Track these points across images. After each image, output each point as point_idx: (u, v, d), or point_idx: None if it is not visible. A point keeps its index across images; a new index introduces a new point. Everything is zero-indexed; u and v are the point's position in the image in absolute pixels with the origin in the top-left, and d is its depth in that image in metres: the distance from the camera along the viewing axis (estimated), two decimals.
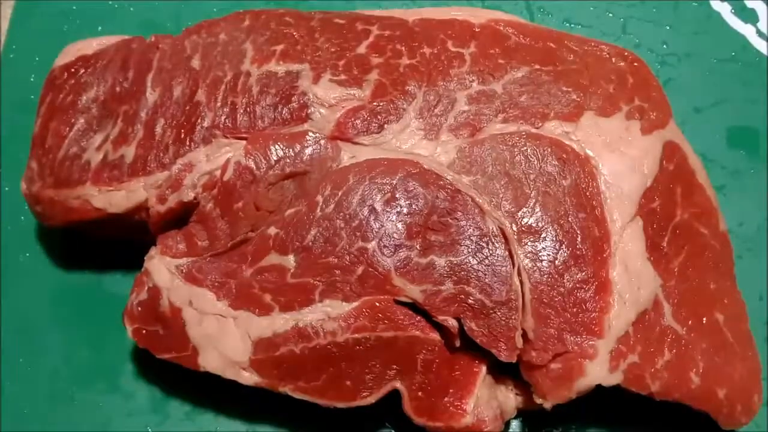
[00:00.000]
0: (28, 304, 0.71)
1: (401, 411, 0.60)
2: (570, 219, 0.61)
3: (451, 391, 0.59)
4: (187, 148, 0.64)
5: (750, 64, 0.80)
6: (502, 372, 0.62)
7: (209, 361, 0.61)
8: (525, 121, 0.64)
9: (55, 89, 0.69)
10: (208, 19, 0.71)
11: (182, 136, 0.65)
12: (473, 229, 0.60)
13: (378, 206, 0.61)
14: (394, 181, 0.61)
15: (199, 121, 0.65)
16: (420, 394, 0.59)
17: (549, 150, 0.63)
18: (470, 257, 0.59)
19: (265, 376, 0.60)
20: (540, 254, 0.60)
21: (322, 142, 0.63)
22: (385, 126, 0.64)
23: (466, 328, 0.59)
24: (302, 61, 0.66)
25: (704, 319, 0.62)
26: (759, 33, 0.81)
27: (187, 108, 0.66)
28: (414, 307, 0.60)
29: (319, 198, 0.61)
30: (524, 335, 0.59)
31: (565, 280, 0.59)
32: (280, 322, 0.60)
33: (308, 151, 0.63)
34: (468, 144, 0.63)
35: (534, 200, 0.61)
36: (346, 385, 0.60)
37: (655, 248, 0.62)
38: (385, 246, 0.60)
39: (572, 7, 0.83)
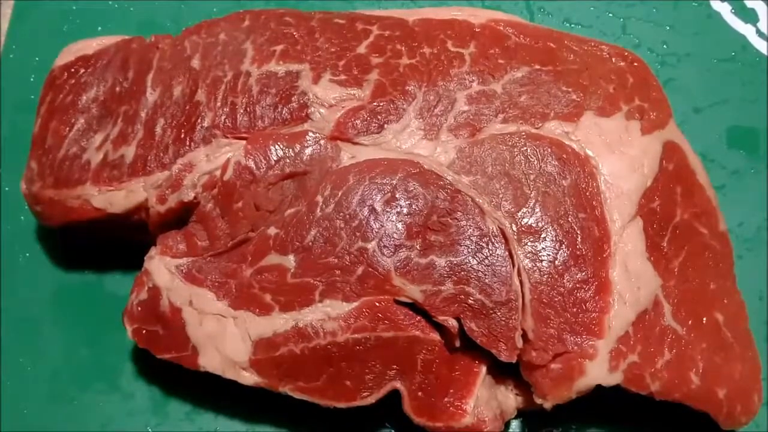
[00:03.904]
0: (28, 304, 0.71)
1: (401, 411, 0.60)
2: (570, 219, 0.61)
3: (451, 391, 0.59)
4: (187, 148, 0.64)
5: (750, 64, 0.80)
6: (502, 372, 0.62)
7: (209, 361, 0.61)
8: (525, 121, 0.64)
9: (55, 89, 0.69)
10: (208, 19, 0.71)
11: (182, 136, 0.65)
12: (473, 230, 0.60)
13: (378, 206, 0.61)
14: (394, 181, 0.61)
15: (199, 121, 0.65)
16: (420, 394, 0.59)
17: (549, 150, 0.63)
18: (470, 257, 0.59)
19: (265, 376, 0.61)
20: (540, 254, 0.60)
21: (322, 142, 0.63)
22: (385, 126, 0.64)
23: (466, 328, 0.59)
24: (302, 61, 0.66)
25: (704, 319, 0.62)
26: (759, 33, 0.81)
27: (187, 108, 0.66)
28: (414, 307, 0.60)
29: (319, 198, 0.61)
30: (524, 335, 0.59)
31: (565, 281, 0.59)
32: (280, 322, 0.60)
33: (308, 151, 0.63)
34: (468, 144, 0.63)
35: (534, 200, 0.61)
36: (346, 385, 0.60)
37: (655, 248, 0.62)
38: (385, 246, 0.60)
39: (572, 7, 0.83)
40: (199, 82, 0.67)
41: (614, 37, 0.81)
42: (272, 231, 0.62)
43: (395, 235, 0.60)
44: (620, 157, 0.63)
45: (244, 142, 0.64)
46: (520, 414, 0.65)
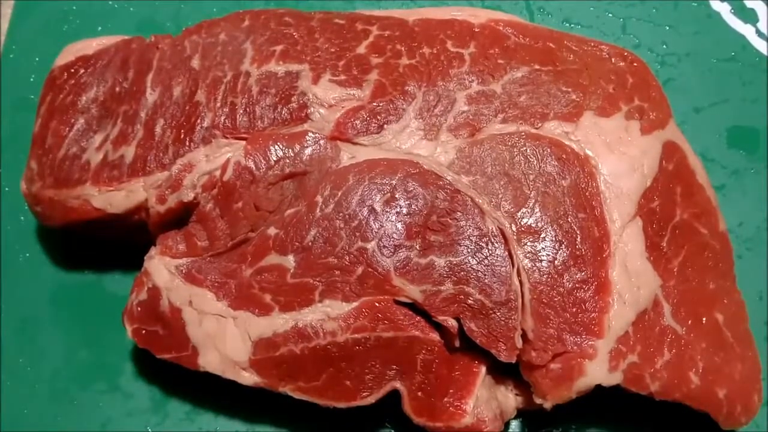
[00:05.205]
0: (28, 304, 0.71)
1: (401, 411, 0.60)
2: (569, 219, 0.61)
3: (450, 391, 0.59)
4: (187, 148, 0.65)
5: (750, 64, 0.80)
6: (502, 372, 0.62)
7: (209, 361, 0.61)
8: (524, 121, 0.64)
9: (55, 89, 0.69)
10: (208, 19, 0.71)
11: (182, 136, 0.65)
12: (473, 230, 0.60)
13: (377, 206, 0.61)
14: (394, 182, 0.61)
15: (198, 121, 0.65)
16: (420, 394, 0.59)
17: (548, 150, 0.63)
18: (470, 257, 0.59)
19: (265, 376, 0.61)
20: (539, 254, 0.60)
21: (322, 142, 0.63)
22: (385, 126, 0.64)
23: (465, 328, 0.59)
24: (302, 61, 0.66)
25: (704, 319, 0.62)
26: (759, 33, 0.81)
27: (187, 108, 0.66)
28: (414, 307, 0.60)
29: (319, 198, 0.61)
30: (524, 335, 0.59)
31: (564, 280, 0.59)
32: (279, 322, 0.60)
33: (308, 151, 0.63)
34: (467, 144, 0.63)
35: (533, 200, 0.61)
36: (346, 385, 0.60)
37: (655, 248, 0.62)
38: (384, 246, 0.60)
39: (572, 7, 0.83)
40: (199, 82, 0.67)
41: (614, 37, 0.81)
42: (272, 231, 0.62)
43: (395, 235, 0.60)
44: (620, 157, 0.63)
45: (243, 142, 0.64)
46: (520, 414, 0.65)
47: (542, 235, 0.60)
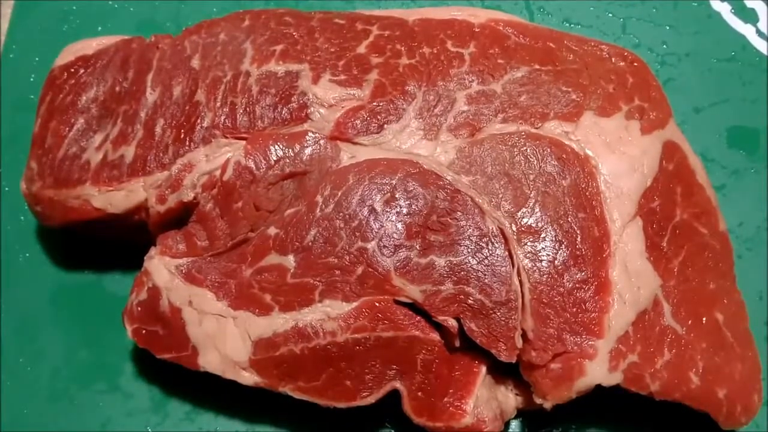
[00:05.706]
0: (28, 304, 0.71)
1: (401, 411, 0.60)
2: (570, 219, 0.61)
3: (451, 391, 0.59)
4: (187, 148, 0.65)
5: (750, 64, 0.80)
6: (502, 372, 0.62)
7: (209, 361, 0.61)
8: (524, 121, 0.64)
9: (55, 89, 0.69)
10: (208, 19, 0.71)
11: (182, 136, 0.65)
12: (473, 229, 0.60)
13: (378, 206, 0.61)
14: (394, 181, 0.61)
15: (198, 121, 0.65)
16: (420, 394, 0.59)
17: (548, 150, 0.63)
18: (470, 257, 0.59)
19: (265, 376, 0.61)
20: (540, 254, 0.60)
21: (322, 142, 0.63)
22: (385, 126, 0.64)
23: (465, 328, 0.59)
24: (302, 61, 0.66)
25: (704, 318, 0.62)
26: (759, 33, 0.81)
27: (187, 108, 0.66)
28: (414, 307, 0.60)
29: (319, 198, 0.61)
30: (524, 335, 0.59)
31: (564, 280, 0.59)
32: (279, 322, 0.60)
33: (308, 151, 0.63)
34: (467, 144, 0.63)
35: (533, 200, 0.61)
36: (346, 385, 0.60)
37: (655, 248, 0.62)
38: (384, 246, 0.60)
39: (572, 7, 0.83)
40: (198, 82, 0.67)
41: (614, 37, 0.81)
42: (272, 231, 0.62)
43: (395, 235, 0.60)
44: (620, 157, 0.63)
45: (243, 142, 0.64)
46: (520, 414, 0.65)
47: (542, 235, 0.60)
